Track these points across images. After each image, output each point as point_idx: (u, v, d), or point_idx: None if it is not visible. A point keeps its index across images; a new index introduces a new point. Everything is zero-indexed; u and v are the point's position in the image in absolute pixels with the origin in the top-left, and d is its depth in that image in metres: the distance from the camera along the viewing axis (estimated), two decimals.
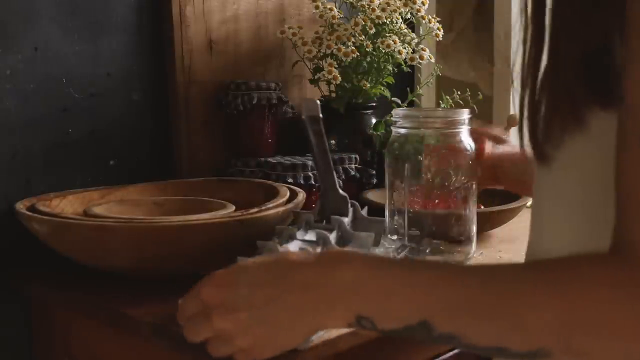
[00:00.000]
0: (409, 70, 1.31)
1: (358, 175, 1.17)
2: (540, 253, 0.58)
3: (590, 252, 0.48)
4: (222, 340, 0.58)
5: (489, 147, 0.91)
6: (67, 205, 0.95)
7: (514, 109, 1.46)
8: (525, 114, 0.53)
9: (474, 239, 0.91)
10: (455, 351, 0.88)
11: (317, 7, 1.24)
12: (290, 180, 1.08)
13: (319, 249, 0.73)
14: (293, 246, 0.77)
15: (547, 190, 0.57)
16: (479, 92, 1.31)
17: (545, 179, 0.56)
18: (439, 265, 0.56)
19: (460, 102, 1.29)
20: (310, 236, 0.78)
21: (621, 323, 0.44)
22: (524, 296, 0.47)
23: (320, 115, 0.76)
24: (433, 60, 1.29)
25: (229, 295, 0.57)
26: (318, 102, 0.78)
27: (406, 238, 0.88)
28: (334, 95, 1.26)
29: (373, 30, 1.22)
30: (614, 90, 0.46)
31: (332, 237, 0.77)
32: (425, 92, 1.48)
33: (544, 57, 0.52)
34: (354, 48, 1.20)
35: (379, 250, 0.86)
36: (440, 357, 0.87)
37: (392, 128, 0.92)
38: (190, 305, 0.60)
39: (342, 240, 0.82)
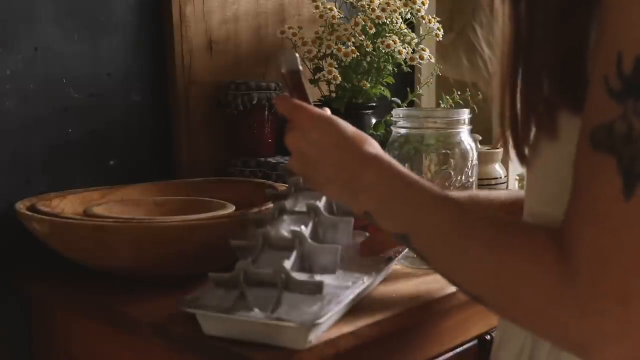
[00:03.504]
0: (409, 70, 1.31)
1: None
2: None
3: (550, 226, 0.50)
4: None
5: None
6: (67, 205, 0.95)
7: None
8: (507, 117, 0.57)
9: None
10: (456, 351, 0.88)
11: (317, 7, 1.24)
12: None
13: (310, 223, 0.74)
14: (285, 226, 0.75)
15: (530, 183, 0.62)
16: (479, 92, 1.31)
17: (529, 173, 0.61)
18: (434, 192, 0.60)
19: (460, 102, 1.29)
20: (300, 207, 0.77)
21: (532, 301, 0.49)
22: (477, 247, 0.52)
23: (300, 68, 0.75)
24: (433, 60, 1.28)
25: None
26: (297, 54, 0.76)
27: None
28: (334, 95, 1.26)
29: (373, 30, 1.22)
30: (583, 95, 0.48)
31: (321, 205, 0.76)
32: (425, 92, 1.48)
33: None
34: (354, 48, 1.20)
35: None
36: (441, 357, 0.87)
37: (392, 128, 0.92)
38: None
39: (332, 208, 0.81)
